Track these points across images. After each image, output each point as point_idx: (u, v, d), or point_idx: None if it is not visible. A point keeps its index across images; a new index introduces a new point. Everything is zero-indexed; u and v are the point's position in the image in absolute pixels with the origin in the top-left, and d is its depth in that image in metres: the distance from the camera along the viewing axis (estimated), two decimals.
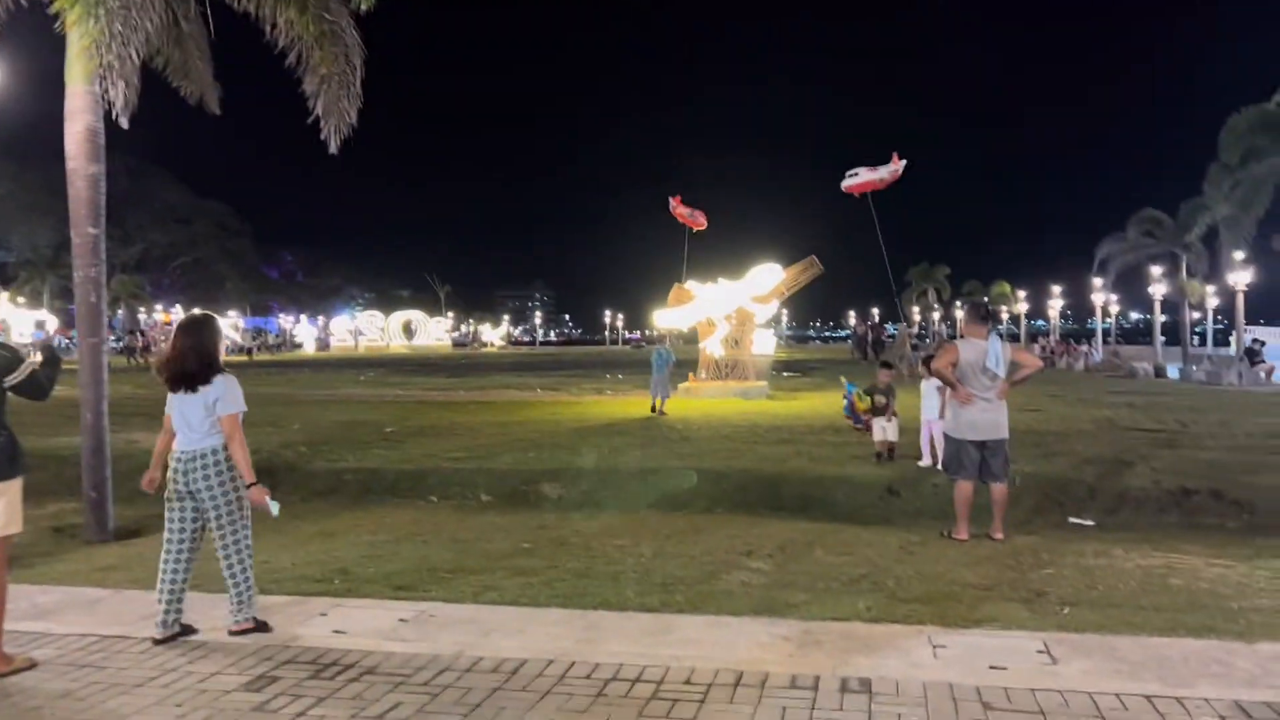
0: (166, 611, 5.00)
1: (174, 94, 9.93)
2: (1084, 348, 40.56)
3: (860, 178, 11.38)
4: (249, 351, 57.64)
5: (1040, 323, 78.48)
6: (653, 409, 16.16)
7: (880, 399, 10.36)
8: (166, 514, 5.06)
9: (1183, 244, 31.95)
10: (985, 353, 7.53)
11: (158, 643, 4.93)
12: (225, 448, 4.97)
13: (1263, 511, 8.52)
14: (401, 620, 5.32)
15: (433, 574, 6.49)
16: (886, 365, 11.47)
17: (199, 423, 4.95)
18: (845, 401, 11.64)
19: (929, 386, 9.78)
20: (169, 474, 5.04)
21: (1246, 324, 31.07)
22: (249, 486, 5.01)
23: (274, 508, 5.03)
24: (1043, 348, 55.71)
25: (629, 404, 18.31)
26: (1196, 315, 40.89)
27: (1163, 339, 39.67)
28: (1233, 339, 50.02)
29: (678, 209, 25.48)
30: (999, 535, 7.57)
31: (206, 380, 4.97)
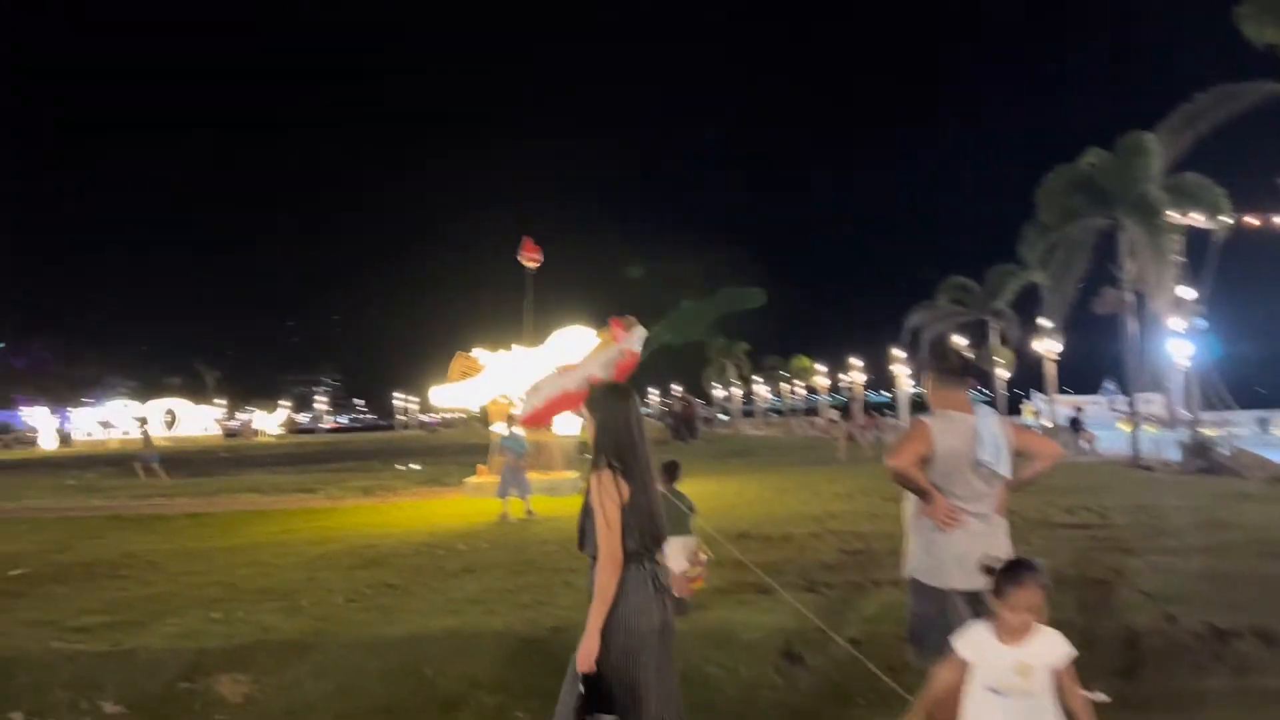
0: None
1: None
2: (892, 420, 39.19)
3: (542, 393, 8.12)
4: None
5: (822, 397, 76.18)
6: (504, 516, 12.37)
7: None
8: None
9: (992, 310, 31.23)
10: (975, 436, 4.27)
11: None
12: None
13: None
14: None
15: None
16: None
17: None
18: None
19: None
20: None
21: (1046, 392, 30.40)
22: None
23: None
24: (831, 420, 52.88)
25: (399, 511, 14.23)
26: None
27: None
28: (1024, 408, 51.23)
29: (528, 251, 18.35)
30: None
31: None
